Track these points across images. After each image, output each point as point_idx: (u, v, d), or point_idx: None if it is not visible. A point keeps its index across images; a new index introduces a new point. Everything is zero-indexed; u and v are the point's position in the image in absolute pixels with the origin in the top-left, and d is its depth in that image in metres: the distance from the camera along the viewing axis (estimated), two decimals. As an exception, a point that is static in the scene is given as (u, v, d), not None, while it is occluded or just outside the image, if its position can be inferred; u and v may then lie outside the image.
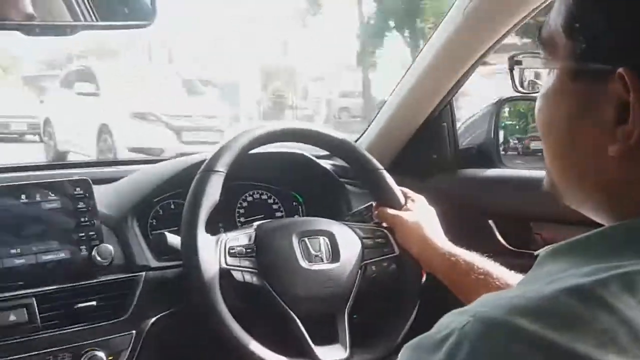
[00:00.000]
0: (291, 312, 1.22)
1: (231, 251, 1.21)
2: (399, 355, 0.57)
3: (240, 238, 1.24)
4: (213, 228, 1.26)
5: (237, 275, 1.20)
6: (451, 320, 0.53)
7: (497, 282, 1.15)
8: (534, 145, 1.80)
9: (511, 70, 0.74)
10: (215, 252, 1.19)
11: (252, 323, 1.22)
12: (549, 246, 0.61)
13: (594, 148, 0.59)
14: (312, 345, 1.21)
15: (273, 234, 1.27)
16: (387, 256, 1.34)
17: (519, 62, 0.73)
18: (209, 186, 1.22)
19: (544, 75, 0.68)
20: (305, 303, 1.24)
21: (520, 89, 0.75)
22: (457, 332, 0.51)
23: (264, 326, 1.25)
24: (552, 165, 0.66)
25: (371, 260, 1.32)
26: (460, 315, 0.53)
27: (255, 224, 1.30)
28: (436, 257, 1.26)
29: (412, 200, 1.37)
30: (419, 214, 1.33)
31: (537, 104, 0.66)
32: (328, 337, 1.26)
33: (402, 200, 1.37)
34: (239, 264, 1.21)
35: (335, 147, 1.42)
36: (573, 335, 0.48)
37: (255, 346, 1.17)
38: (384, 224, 1.37)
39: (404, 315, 1.32)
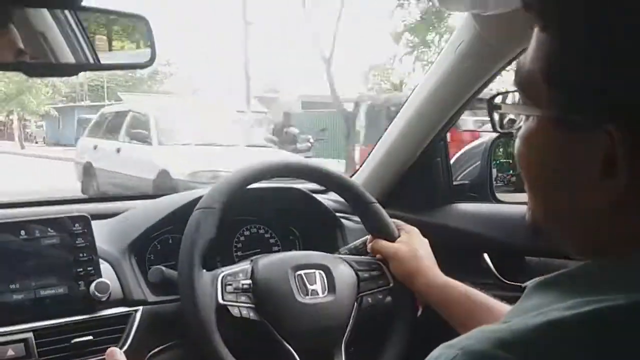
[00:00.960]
0: (289, 347, 1.23)
1: (228, 287, 1.22)
2: None
3: (236, 273, 1.25)
4: (210, 263, 1.28)
5: (234, 310, 1.21)
6: (440, 354, 0.54)
7: (491, 314, 1.16)
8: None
9: (490, 113, 0.73)
10: (212, 289, 1.21)
11: (250, 358, 1.22)
12: (536, 279, 0.62)
13: (579, 198, 0.59)
14: None
15: (269, 268, 1.28)
16: (382, 288, 1.35)
17: (498, 107, 0.71)
18: (205, 223, 1.23)
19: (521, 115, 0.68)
20: (302, 337, 1.25)
21: (500, 130, 0.73)
22: None
23: (262, 359, 1.25)
24: (534, 204, 0.65)
25: (366, 293, 1.33)
26: (449, 348, 0.54)
27: (252, 258, 1.31)
28: (430, 288, 1.27)
29: (406, 232, 1.39)
30: (413, 246, 1.35)
31: (517, 145, 0.64)
32: None
33: (396, 232, 1.39)
34: (235, 300, 1.22)
35: (329, 182, 1.45)
36: None
37: None
38: (379, 256, 1.39)
39: (398, 347, 1.33)
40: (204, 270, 1.22)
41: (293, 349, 1.23)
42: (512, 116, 0.72)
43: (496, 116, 0.73)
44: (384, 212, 1.41)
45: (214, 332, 1.18)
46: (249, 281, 1.25)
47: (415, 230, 1.40)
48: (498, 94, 0.73)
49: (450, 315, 1.24)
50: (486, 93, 1.60)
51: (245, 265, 1.28)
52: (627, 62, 0.54)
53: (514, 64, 1.46)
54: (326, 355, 1.28)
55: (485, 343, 0.52)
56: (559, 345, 0.51)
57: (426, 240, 1.38)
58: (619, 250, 0.58)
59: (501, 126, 0.73)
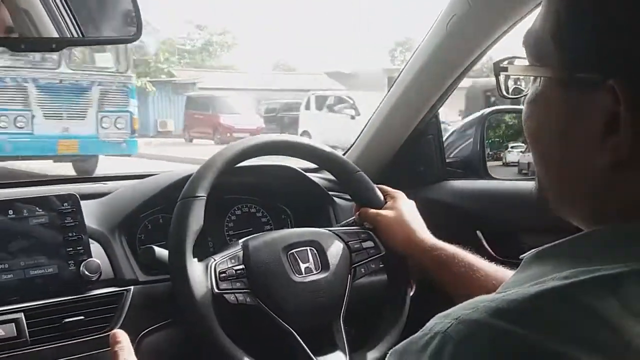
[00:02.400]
0: (288, 327, 1.23)
1: (222, 275, 1.21)
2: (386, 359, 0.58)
3: (228, 260, 1.24)
4: (202, 244, 1.27)
5: (231, 297, 1.20)
6: (435, 324, 0.54)
7: (479, 274, 1.18)
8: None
9: (497, 76, 0.73)
10: (206, 279, 1.19)
11: (251, 342, 1.22)
12: (533, 250, 0.62)
13: (582, 157, 0.59)
14: (312, 356, 1.22)
15: (261, 251, 1.27)
16: (373, 257, 1.35)
17: (505, 69, 0.71)
18: (191, 214, 1.22)
19: (527, 81, 0.68)
20: (300, 316, 1.25)
21: (505, 94, 0.74)
22: (440, 335, 0.52)
23: (263, 343, 1.26)
24: (541, 173, 0.66)
25: (359, 263, 1.33)
26: (444, 318, 0.54)
27: (241, 241, 1.30)
28: (420, 252, 1.28)
29: (392, 197, 1.38)
30: (400, 211, 1.35)
31: (525, 110, 0.65)
32: (327, 346, 1.27)
33: (382, 199, 1.39)
34: (231, 287, 1.21)
35: (313, 156, 1.43)
36: (553, 337, 0.49)
37: None
38: (368, 225, 1.38)
39: (394, 320, 1.33)
40: (196, 261, 1.21)
41: (293, 329, 1.23)
42: (518, 86, 0.73)
43: (502, 82, 0.74)
44: (368, 180, 1.41)
45: (215, 324, 1.17)
46: (241, 266, 1.24)
47: (400, 194, 1.40)
48: (505, 58, 0.73)
49: (440, 277, 1.25)
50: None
51: (237, 249, 1.27)
52: (632, 20, 0.55)
53: (503, 38, 1.46)
54: (326, 330, 1.28)
55: (481, 312, 0.52)
56: (554, 314, 0.51)
57: (412, 202, 1.38)
58: (619, 217, 0.58)
59: (507, 91, 0.74)
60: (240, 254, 1.26)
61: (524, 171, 1.71)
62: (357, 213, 1.40)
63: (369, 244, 1.36)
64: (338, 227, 1.46)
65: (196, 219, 1.22)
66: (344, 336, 1.28)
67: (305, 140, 1.44)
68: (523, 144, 1.82)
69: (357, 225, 1.41)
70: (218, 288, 1.20)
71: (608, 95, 0.55)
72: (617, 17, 0.55)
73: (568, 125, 0.60)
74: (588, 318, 0.50)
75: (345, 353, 1.26)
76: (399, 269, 1.36)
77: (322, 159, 1.43)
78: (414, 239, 1.29)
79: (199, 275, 1.19)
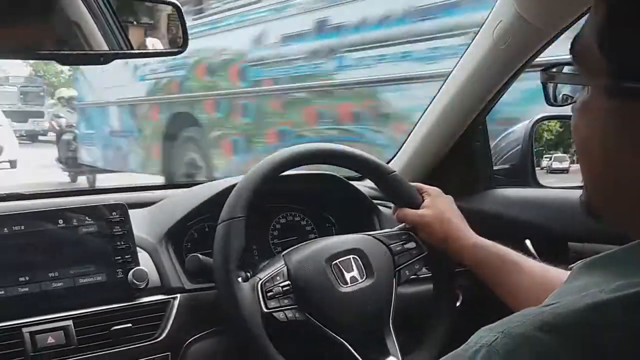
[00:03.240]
0: (339, 338, 1.22)
1: (269, 294, 1.21)
2: None
3: (273, 277, 1.24)
4: (246, 253, 1.27)
5: (280, 315, 1.21)
6: (481, 337, 0.53)
7: (524, 271, 1.16)
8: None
9: (544, 84, 0.72)
10: (254, 299, 1.20)
11: (304, 356, 1.23)
12: (582, 260, 0.61)
13: (632, 167, 0.58)
14: None
15: (304, 265, 1.27)
16: (416, 258, 1.34)
17: (552, 77, 0.71)
18: (232, 236, 1.22)
19: (575, 88, 0.67)
20: (350, 326, 1.25)
21: (553, 102, 0.74)
22: (485, 348, 0.51)
23: (315, 357, 1.27)
24: (589, 182, 0.65)
25: (403, 265, 1.32)
26: (490, 331, 0.53)
27: (283, 254, 1.30)
28: (462, 249, 1.27)
29: (429, 195, 1.36)
30: (438, 208, 1.33)
31: (573, 118, 0.64)
32: (379, 352, 1.26)
33: (419, 198, 1.37)
34: (279, 305, 1.21)
35: (348, 160, 1.41)
36: (599, 354, 0.48)
37: None
38: (407, 226, 1.37)
39: (444, 311, 1.33)
40: (242, 282, 1.22)
41: (344, 339, 1.22)
42: (567, 92, 0.72)
43: (549, 90, 0.73)
44: (404, 179, 1.39)
45: (268, 343, 1.18)
46: (287, 282, 1.24)
47: (436, 191, 1.38)
48: (553, 65, 0.73)
49: (483, 275, 1.23)
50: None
51: (280, 265, 1.27)
52: None
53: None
54: (377, 337, 1.27)
55: (527, 325, 0.51)
56: (601, 329, 0.50)
57: (450, 197, 1.36)
58: None
59: (555, 99, 0.73)
60: (285, 270, 1.26)
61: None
62: (395, 214, 1.39)
63: (411, 244, 1.34)
64: (380, 231, 1.45)
65: (238, 240, 1.22)
66: (396, 341, 1.27)
67: (340, 146, 1.42)
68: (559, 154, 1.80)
69: (397, 227, 1.39)
70: (267, 307, 1.20)
71: None
72: None
73: (618, 135, 0.58)
74: (631, 333, 0.49)
75: (398, 358, 1.25)
76: (442, 267, 1.35)
77: (357, 164, 1.42)
78: (455, 236, 1.28)
79: (247, 296, 1.20)
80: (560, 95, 0.73)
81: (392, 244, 1.34)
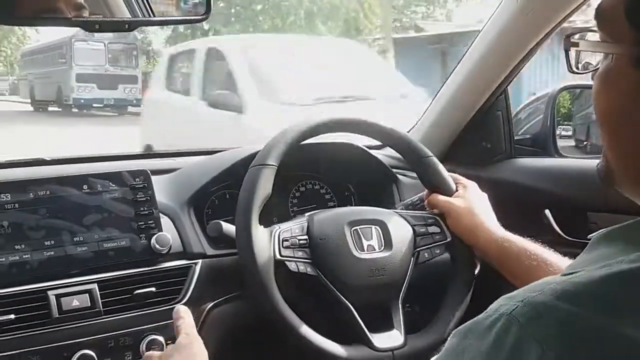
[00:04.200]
0: (345, 301, 1.24)
1: (285, 243, 1.23)
2: (449, 340, 0.58)
3: (293, 229, 1.26)
4: (266, 219, 1.29)
5: (292, 265, 1.23)
6: (500, 305, 0.54)
7: (550, 268, 1.15)
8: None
9: (567, 51, 0.72)
10: (269, 245, 1.22)
11: (308, 311, 1.24)
12: (601, 230, 0.61)
13: None
14: (367, 332, 1.23)
15: (325, 224, 1.29)
16: (439, 243, 1.34)
17: (576, 44, 0.70)
18: (261, 181, 1.24)
19: (597, 55, 0.67)
20: (359, 292, 1.26)
21: (575, 71, 0.73)
22: (505, 316, 0.52)
23: (319, 314, 1.27)
24: (610, 151, 0.64)
25: (423, 247, 1.33)
26: (509, 300, 0.54)
27: (307, 214, 1.32)
28: (489, 243, 1.26)
29: (464, 187, 1.36)
30: (471, 200, 1.33)
31: (595, 85, 0.64)
32: (383, 324, 1.27)
33: (454, 186, 1.37)
34: (292, 255, 1.23)
35: (385, 136, 1.43)
36: (621, 320, 0.49)
37: (309, 333, 1.20)
38: (436, 211, 1.37)
39: (457, 302, 1.32)
40: (261, 227, 1.23)
41: (350, 303, 1.24)
42: (588, 60, 0.71)
43: (572, 57, 0.72)
44: (441, 166, 1.39)
45: (273, 287, 1.19)
46: (305, 237, 1.26)
47: (473, 185, 1.37)
48: (576, 31, 0.72)
49: (508, 271, 1.22)
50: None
51: (302, 221, 1.29)
52: None
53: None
54: (383, 310, 1.29)
55: (547, 295, 0.52)
56: (621, 298, 0.50)
57: (485, 195, 1.35)
58: None
59: (577, 67, 0.72)
60: (305, 224, 1.28)
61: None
62: (427, 199, 1.39)
63: (435, 229, 1.35)
64: (402, 206, 1.45)
65: (265, 186, 1.25)
66: (402, 316, 1.28)
67: (374, 120, 1.43)
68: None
69: (421, 205, 1.40)
70: (280, 254, 1.22)
71: None
72: None
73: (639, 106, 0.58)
74: None
75: (401, 333, 1.26)
76: (464, 256, 1.34)
77: (393, 140, 1.43)
78: (483, 229, 1.28)
79: (263, 240, 1.22)
80: (582, 63, 0.72)
81: (416, 224, 1.34)
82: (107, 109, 16.14)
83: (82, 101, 15.92)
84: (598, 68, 0.64)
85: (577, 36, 0.70)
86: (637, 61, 0.58)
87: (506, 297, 0.55)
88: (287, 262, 1.22)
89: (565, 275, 0.56)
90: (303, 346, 1.20)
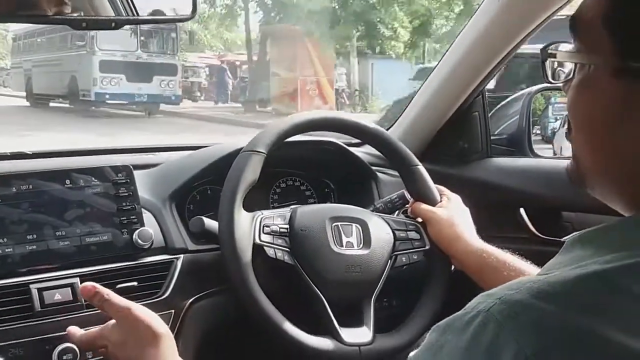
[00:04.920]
0: (319, 293, 1.26)
1: (266, 228, 1.26)
2: (428, 334, 0.59)
3: (275, 217, 1.29)
4: (248, 210, 1.31)
5: (270, 251, 1.25)
6: (478, 302, 0.55)
7: None
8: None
9: (543, 62, 0.72)
10: (250, 228, 1.24)
11: (282, 299, 1.26)
12: (575, 233, 0.62)
13: (631, 145, 0.59)
14: (338, 326, 1.25)
15: (307, 216, 1.31)
16: (417, 249, 1.36)
17: (553, 55, 0.70)
18: (250, 165, 1.26)
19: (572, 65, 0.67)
20: (333, 286, 1.28)
21: (552, 81, 0.73)
22: (483, 313, 0.53)
23: (292, 303, 1.29)
24: (584, 155, 0.65)
25: (402, 252, 1.35)
26: (488, 297, 0.55)
27: (291, 207, 1.34)
28: (467, 254, 1.28)
29: (448, 199, 1.39)
30: (453, 212, 1.35)
31: (571, 96, 0.64)
32: (354, 320, 1.29)
33: (438, 197, 1.39)
34: (272, 242, 1.25)
35: (371, 138, 1.45)
36: (595, 319, 0.50)
37: (280, 320, 1.22)
38: (418, 219, 1.39)
39: (429, 308, 1.34)
40: (244, 211, 1.25)
41: (323, 296, 1.26)
42: (561, 68, 0.71)
43: (548, 67, 0.72)
44: (427, 175, 1.41)
45: (249, 268, 1.21)
46: (286, 225, 1.28)
47: (457, 197, 1.40)
48: (552, 42, 0.72)
49: (486, 282, 1.23)
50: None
51: (285, 211, 1.32)
52: None
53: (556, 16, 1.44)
54: (355, 306, 1.31)
55: (524, 293, 0.53)
56: (596, 297, 0.51)
57: (467, 209, 1.38)
58: None
59: (553, 77, 0.72)
60: (288, 214, 1.30)
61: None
62: (411, 207, 1.41)
63: (415, 235, 1.37)
64: (381, 203, 1.48)
65: (252, 172, 1.27)
66: (372, 315, 1.30)
67: (370, 124, 1.45)
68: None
69: (400, 203, 1.43)
70: (260, 239, 1.24)
71: None
72: None
73: (619, 114, 0.59)
74: (627, 302, 0.51)
75: (370, 330, 1.28)
76: (441, 265, 1.36)
77: (380, 143, 1.45)
78: (462, 240, 1.30)
79: (244, 223, 1.24)
80: (557, 71, 0.72)
81: (397, 229, 1.36)
82: (132, 106, 12.90)
83: (107, 97, 12.87)
84: (571, 77, 0.65)
85: (553, 46, 0.70)
86: (616, 70, 0.58)
87: (484, 295, 0.56)
88: (265, 248, 1.24)
89: (541, 275, 0.57)
90: (273, 332, 1.22)
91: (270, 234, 1.26)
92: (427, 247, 1.36)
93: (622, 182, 0.62)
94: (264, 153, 1.29)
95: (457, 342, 0.54)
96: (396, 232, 1.36)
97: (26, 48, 16.48)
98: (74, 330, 1.10)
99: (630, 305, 0.51)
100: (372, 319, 1.29)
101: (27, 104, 15.58)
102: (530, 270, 1.19)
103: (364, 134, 1.45)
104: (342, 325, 1.26)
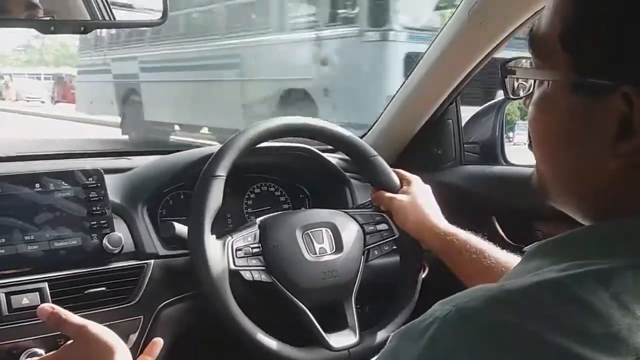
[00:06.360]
0: (300, 304, 1.27)
1: (238, 252, 1.25)
2: (388, 342, 0.59)
3: (245, 237, 1.28)
4: (221, 221, 1.31)
5: (246, 275, 1.25)
6: (435, 310, 0.55)
7: (489, 261, 1.20)
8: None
9: (503, 78, 0.72)
10: (223, 255, 1.24)
11: (265, 317, 1.27)
12: (535, 243, 0.63)
13: (592, 160, 0.59)
14: (323, 333, 1.27)
15: (277, 230, 1.31)
16: (387, 239, 1.39)
17: (512, 72, 0.71)
18: (211, 193, 1.25)
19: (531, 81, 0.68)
20: (313, 294, 1.29)
21: (512, 97, 0.74)
22: (438, 321, 0.53)
23: (276, 319, 1.30)
24: (544, 171, 0.66)
25: (372, 245, 1.37)
26: (444, 305, 0.55)
27: (258, 220, 1.33)
28: (433, 236, 1.30)
29: (408, 182, 1.40)
30: (415, 195, 1.37)
31: (531, 112, 0.65)
32: (338, 325, 1.31)
33: (398, 183, 1.41)
34: (247, 264, 1.25)
35: (333, 139, 1.46)
36: (549, 327, 0.50)
37: (266, 340, 1.23)
38: (383, 208, 1.41)
39: (406, 298, 1.37)
40: (214, 238, 1.24)
41: (305, 306, 1.27)
42: (522, 82, 0.72)
43: (508, 84, 0.73)
44: (385, 164, 1.43)
45: (230, 298, 1.21)
46: (258, 244, 1.28)
47: (416, 178, 1.41)
48: (512, 59, 0.73)
49: (452, 263, 1.27)
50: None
51: (253, 228, 1.31)
52: None
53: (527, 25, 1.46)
54: (338, 309, 1.33)
55: (479, 301, 0.53)
56: (549, 305, 0.52)
57: (428, 187, 1.40)
58: (623, 213, 0.58)
59: (513, 92, 0.73)
60: (257, 232, 1.30)
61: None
62: (372, 196, 1.42)
63: (383, 226, 1.39)
64: (354, 208, 1.49)
65: (215, 198, 1.26)
66: (355, 315, 1.32)
67: (324, 123, 1.46)
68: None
69: (372, 208, 1.44)
70: (235, 265, 1.24)
71: (621, 100, 0.55)
72: (630, 21, 0.55)
73: (578, 130, 0.60)
74: (579, 310, 0.51)
75: (355, 331, 1.30)
76: (411, 252, 1.39)
77: (340, 142, 1.46)
78: (427, 223, 1.32)
79: (217, 251, 1.23)
80: (519, 86, 0.73)
81: (365, 223, 1.38)
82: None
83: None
84: (531, 93, 0.66)
85: (512, 63, 0.71)
86: (573, 86, 0.59)
87: (441, 302, 0.56)
88: (241, 272, 1.24)
89: (499, 284, 0.57)
90: (261, 353, 1.23)
91: (244, 257, 1.26)
92: (396, 236, 1.39)
93: (581, 195, 0.63)
94: (223, 176, 1.28)
95: (413, 349, 0.54)
96: (364, 226, 1.38)
97: (119, 37, 9.82)
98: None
99: (579, 314, 0.51)
100: (356, 320, 1.31)
101: (123, 137, 9.49)
102: (493, 251, 1.22)
103: (323, 136, 1.45)
104: (327, 331, 1.28)
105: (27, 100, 17.78)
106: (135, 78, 9.44)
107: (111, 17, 1.03)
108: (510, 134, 1.78)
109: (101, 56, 10.37)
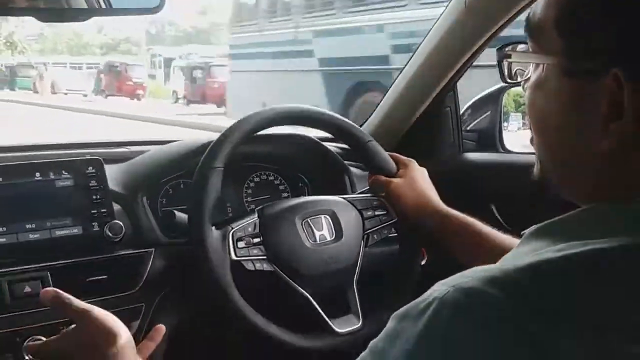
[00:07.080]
0: (303, 291, 1.28)
1: (239, 243, 1.26)
2: (387, 323, 0.60)
3: (245, 228, 1.28)
4: (221, 210, 1.31)
5: (248, 265, 1.25)
6: (434, 290, 0.57)
7: (487, 242, 1.21)
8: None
9: (500, 62, 0.75)
10: (224, 247, 1.24)
11: (269, 306, 1.28)
12: (533, 226, 0.65)
13: (585, 142, 0.61)
14: (327, 319, 1.28)
15: (277, 219, 1.31)
16: (385, 224, 1.39)
17: (508, 56, 0.73)
18: (209, 185, 1.25)
19: (528, 65, 0.70)
20: (315, 281, 1.30)
21: (509, 81, 0.76)
22: (437, 301, 0.55)
23: (279, 308, 1.31)
24: (544, 157, 0.68)
25: (371, 230, 1.38)
26: (442, 285, 0.56)
27: (257, 209, 1.34)
28: (430, 218, 1.31)
29: (404, 165, 1.41)
30: (411, 178, 1.38)
31: (528, 96, 0.67)
32: (341, 309, 1.32)
33: (394, 167, 1.41)
34: (248, 254, 1.26)
35: (329, 125, 1.46)
36: (542, 306, 0.51)
37: (272, 328, 1.24)
38: (381, 193, 1.41)
39: (406, 280, 1.39)
40: (214, 229, 1.25)
41: (308, 293, 1.28)
42: (520, 67, 0.74)
43: (505, 68, 0.76)
44: (380, 148, 1.43)
45: (233, 289, 1.22)
46: (258, 233, 1.29)
47: (412, 162, 1.42)
48: (508, 43, 0.75)
49: (449, 244, 1.28)
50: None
51: (253, 217, 1.31)
52: (634, 8, 0.56)
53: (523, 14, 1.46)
54: (340, 295, 1.34)
55: (476, 280, 0.54)
56: (546, 284, 0.53)
57: (424, 170, 1.40)
58: (618, 195, 0.60)
59: (510, 77, 0.75)
60: (257, 222, 1.30)
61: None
62: (370, 181, 1.43)
63: (381, 211, 1.39)
64: (353, 195, 1.49)
65: (213, 190, 1.26)
66: (357, 300, 1.33)
67: (320, 110, 1.46)
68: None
69: (370, 193, 1.44)
70: (236, 255, 1.24)
71: (612, 82, 0.57)
72: (618, 6, 0.57)
73: (571, 112, 0.61)
74: (574, 288, 0.52)
75: (358, 316, 1.32)
76: (410, 235, 1.40)
77: (337, 129, 1.46)
78: (424, 206, 1.33)
79: (217, 243, 1.24)
80: (514, 72, 0.75)
81: (363, 208, 1.38)
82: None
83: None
84: (529, 77, 0.68)
85: (509, 47, 0.73)
86: (567, 70, 0.61)
87: (440, 283, 0.57)
88: (243, 262, 1.25)
89: (497, 264, 0.59)
90: (267, 341, 1.24)
91: (245, 247, 1.26)
92: (394, 219, 1.39)
93: (578, 177, 0.65)
94: (220, 167, 1.28)
95: (413, 329, 0.55)
96: (363, 211, 1.38)
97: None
98: (32, 343, 1.10)
99: (566, 297, 0.52)
100: (358, 305, 1.32)
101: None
102: (488, 232, 1.24)
103: (320, 123, 1.46)
104: (330, 317, 1.29)
105: (66, 94, 16.68)
106: (372, 63, 6.28)
107: (108, 4, 1.03)
108: (505, 124, 1.77)
109: (284, 29, 7.28)
